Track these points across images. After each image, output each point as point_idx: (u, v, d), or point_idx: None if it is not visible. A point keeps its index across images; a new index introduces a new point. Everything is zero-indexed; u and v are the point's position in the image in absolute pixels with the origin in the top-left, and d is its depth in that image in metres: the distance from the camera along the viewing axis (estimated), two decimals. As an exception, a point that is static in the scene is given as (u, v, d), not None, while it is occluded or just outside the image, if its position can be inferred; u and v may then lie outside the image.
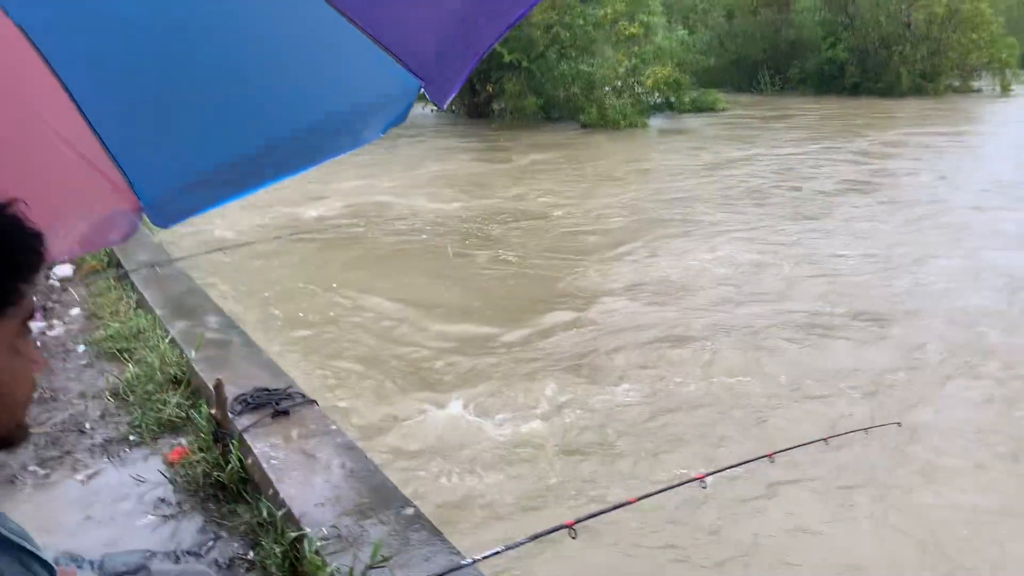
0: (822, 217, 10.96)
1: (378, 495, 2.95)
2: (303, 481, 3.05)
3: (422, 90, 1.57)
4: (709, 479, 2.73)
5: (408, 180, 14.60)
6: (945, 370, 5.85)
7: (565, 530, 2.35)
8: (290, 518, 2.82)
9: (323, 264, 8.93)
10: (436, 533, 2.71)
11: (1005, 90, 37.14)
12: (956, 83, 37.83)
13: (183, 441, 3.74)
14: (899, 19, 35.81)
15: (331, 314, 7.15)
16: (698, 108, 28.59)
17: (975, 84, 38.53)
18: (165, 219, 1.82)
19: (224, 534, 3.10)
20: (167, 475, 3.47)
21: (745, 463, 3.02)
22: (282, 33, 1.61)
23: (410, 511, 2.83)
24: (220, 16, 1.55)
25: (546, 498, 4.23)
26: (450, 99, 1.50)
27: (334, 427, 3.51)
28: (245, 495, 3.22)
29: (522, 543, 2.41)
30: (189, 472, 3.43)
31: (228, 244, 8.09)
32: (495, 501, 4.20)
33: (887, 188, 13.19)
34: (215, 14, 1.54)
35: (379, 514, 2.80)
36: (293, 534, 2.73)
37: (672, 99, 27.67)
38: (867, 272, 8.27)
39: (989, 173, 14.42)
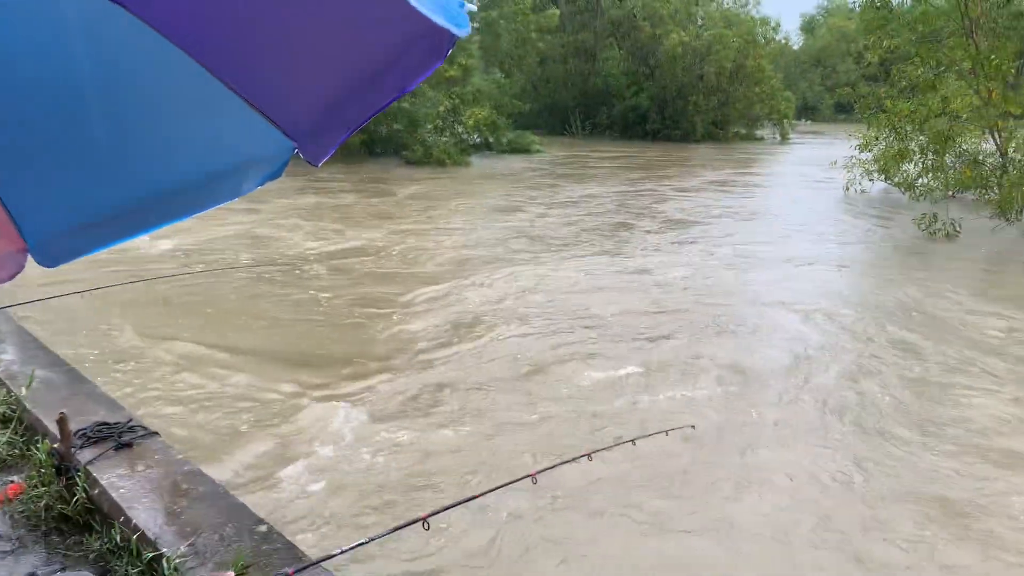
0: (630, 251, 11.99)
1: (231, 515, 3.14)
2: (154, 507, 3.17)
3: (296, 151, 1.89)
4: (539, 476, 3.16)
5: (227, 218, 14.36)
6: (722, 378, 6.71)
7: (416, 525, 2.69)
8: (145, 540, 2.95)
9: (146, 305, 8.71)
10: (291, 546, 2.94)
11: (784, 138, 41.58)
12: (743, 131, 41.92)
13: (16, 479, 3.71)
14: (693, 72, 39.22)
15: (158, 354, 7.07)
16: (515, 149, 29.93)
17: (759, 133, 42.82)
18: (51, 259, 1.99)
19: (70, 564, 3.16)
20: (3, 512, 3.45)
21: (568, 461, 3.49)
22: (163, 92, 1.84)
23: (263, 528, 3.05)
24: (105, 71, 1.76)
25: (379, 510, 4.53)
26: (324, 159, 1.82)
27: (179, 456, 3.63)
28: (93, 525, 3.29)
29: (362, 543, 2.74)
30: (28, 508, 3.43)
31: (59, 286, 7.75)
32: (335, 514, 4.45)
33: (684, 223, 14.58)
34: (102, 68, 1.75)
35: (234, 532, 2.99)
36: (150, 554, 2.87)
37: (491, 139, 28.89)
38: (658, 294, 9.22)
39: (763, 211, 16.34)
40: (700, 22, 41.60)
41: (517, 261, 11.16)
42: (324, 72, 1.62)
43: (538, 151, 30.59)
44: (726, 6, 44.52)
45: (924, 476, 5.04)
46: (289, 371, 6.77)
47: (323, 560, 2.71)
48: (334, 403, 6.08)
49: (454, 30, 1.34)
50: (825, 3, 74.08)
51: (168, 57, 1.58)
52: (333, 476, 4.93)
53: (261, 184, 1.92)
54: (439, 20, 1.32)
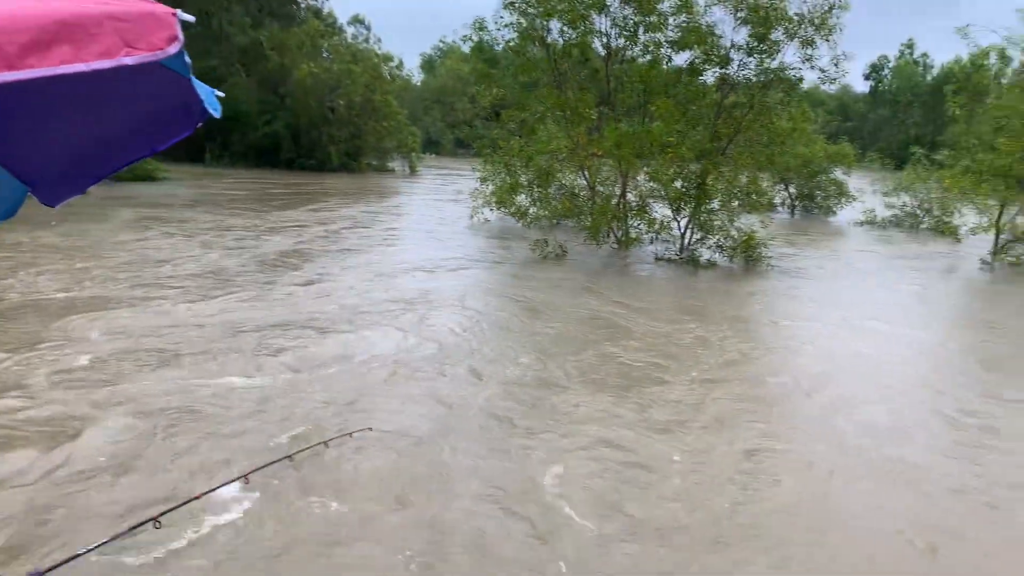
0: (263, 284, 12.27)
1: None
2: None
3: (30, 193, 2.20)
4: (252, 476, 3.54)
5: None
6: (389, 381, 7.44)
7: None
8: None
9: None
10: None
11: (413, 170, 44.26)
12: (376, 162, 43.80)
13: None
14: (325, 104, 40.14)
15: None
16: (137, 177, 28.16)
17: (391, 164, 45.06)
18: None
19: None
20: None
21: (272, 463, 3.90)
22: None
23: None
24: None
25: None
26: (62, 203, 2.15)
27: None
28: None
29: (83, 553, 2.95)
30: None
31: None
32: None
33: (315, 254, 15.19)
34: None
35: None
36: None
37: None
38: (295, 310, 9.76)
39: (394, 239, 17.66)
40: (326, 55, 42.64)
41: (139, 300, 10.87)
42: (77, 133, 1.97)
43: (164, 178, 29.14)
44: (351, 41, 46.16)
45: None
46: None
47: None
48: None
49: (211, 110, 1.83)
50: (442, 45, 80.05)
51: None
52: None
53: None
54: (203, 99, 1.80)
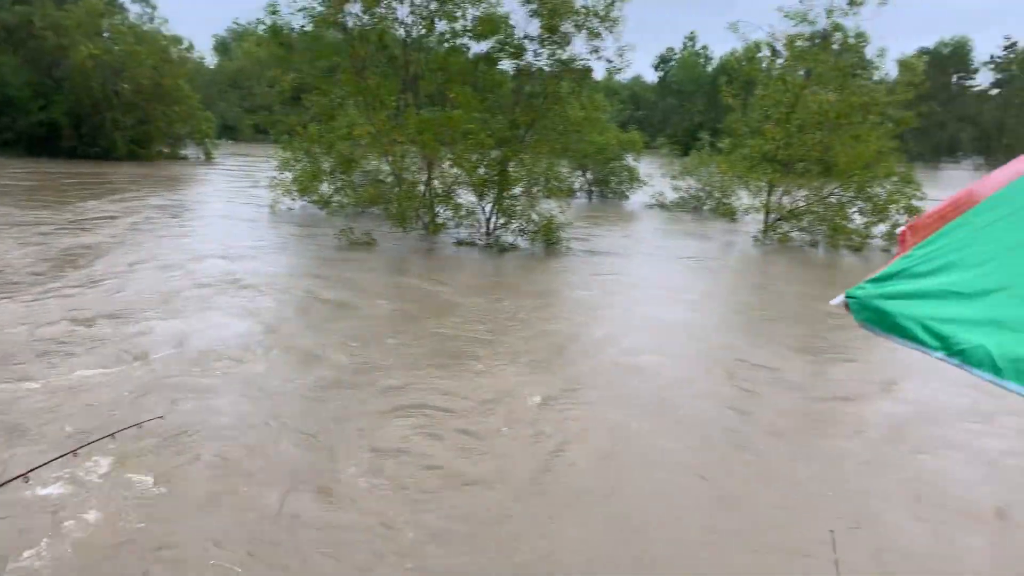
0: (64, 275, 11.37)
1: None
2: None
3: None
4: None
5: None
6: (188, 370, 7.17)
7: None
8: None
9: None
10: None
11: (209, 158, 42.07)
12: (167, 150, 41.16)
13: None
14: (108, 88, 37.17)
15: None
16: None
17: (184, 152, 42.53)
18: None
19: None
20: None
21: (54, 459, 3.72)
22: None
23: None
24: None
25: None
26: None
27: None
28: None
29: None
30: None
31: None
32: None
33: (105, 247, 14.22)
34: None
35: None
36: None
37: None
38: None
39: (191, 231, 16.86)
40: (107, 35, 39.43)
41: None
42: None
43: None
44: (133, 20, 42.87)
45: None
46: None
47: None
48: None
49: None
50: (236, 27, 76.35)
51: None
52: None
53: None
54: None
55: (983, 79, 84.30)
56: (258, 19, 18.43)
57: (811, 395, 7.93)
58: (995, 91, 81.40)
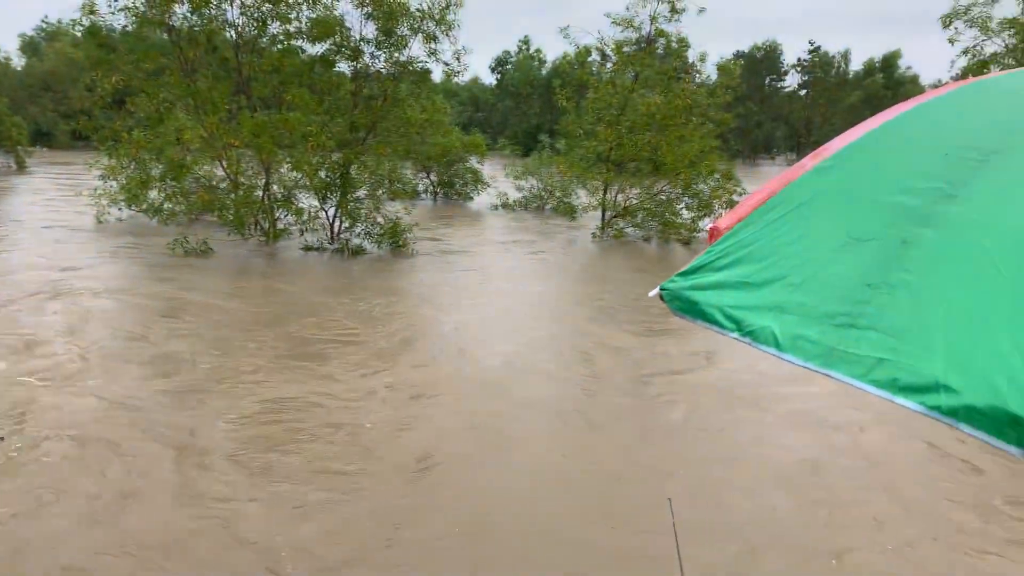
0: None
1: None
2: None
3: None
4: None
5: None
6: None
7: None
8: None
9: None
10: None
11: (21, 166, 38.94)
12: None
13: None
14: None
15: None
16: None
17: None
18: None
19: None
20: None
21: None
22: None
23: None
24: None
25: None
26: None
27: None
28: None
29: None
30: None
31: None
32: None
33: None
34: None
35: None
36: None
37: None
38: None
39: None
40: None
41: None
42: None
43: None
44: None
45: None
46: None
47: None
48: None
49: None
50: (45, 26, 70.89)
51: None
52: None
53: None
54: None
55: (792, 80, 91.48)
56: (73, 20, 17.20)
57: (648, 372, 8.56)
58: (803, 92, 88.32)
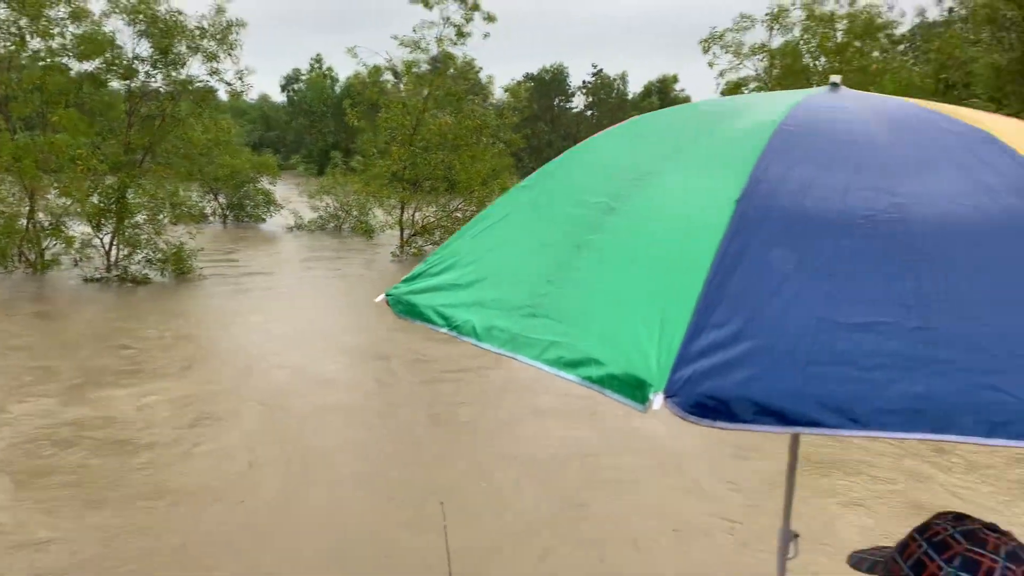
0: None
1: None
2: None
3: None
4: None
5: None
6: None
7: None
8: None
9: None
10: None
11: None
12: None
13: None
14: None
15: None
16: None
17: None
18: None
19: None
20: None
21: None
22: None
23: None
24: None
25: None
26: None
27: None
28: None
29: None
30: None
31: None
32: None
33: None
34: None
35: None
36: None
37: None
38: None
39: None
40: None
41: None
42: None
43: None
44: None
45: None
46: None
47: None
48: None
49: None
50: None
51: None
52: None
53: None
54: None
55: (578, 101, 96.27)
56: None
57: (437, 373, 8.95)
58: (589, 112, 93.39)
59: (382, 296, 1.89)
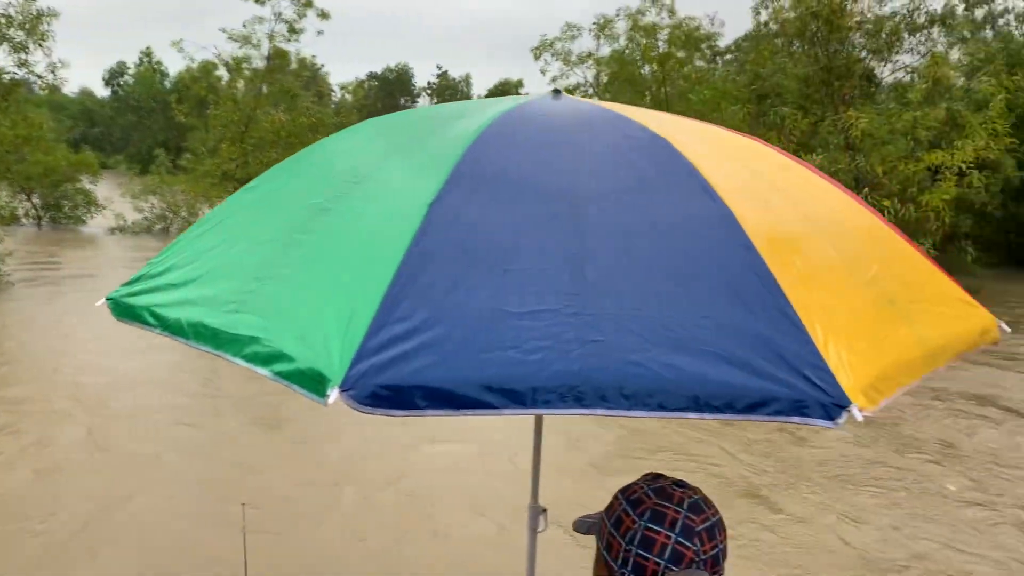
0: None
1: None
2: None
3: None
4: None
5: None
6: None
7: None
8: None
9: None
10: None
11: None
12: None
13: None
14: None
15: None
16: None
17: None
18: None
19: None
20: None
21: None
22: None
23: None
24: None
25: None
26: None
27: None
28: None
29: None
30: None
31: None
32: None
33: None
34: None
35: None
36: None
37: None
38: None
39: None
40: None
41: None
42: None
43: None
44: None
45: None
46: None
47: None
48: None
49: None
50: None
51: None
52: None
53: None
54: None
55: (424, 102, 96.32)
56: None
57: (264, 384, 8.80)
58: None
59: (102, 300, 1.83)
